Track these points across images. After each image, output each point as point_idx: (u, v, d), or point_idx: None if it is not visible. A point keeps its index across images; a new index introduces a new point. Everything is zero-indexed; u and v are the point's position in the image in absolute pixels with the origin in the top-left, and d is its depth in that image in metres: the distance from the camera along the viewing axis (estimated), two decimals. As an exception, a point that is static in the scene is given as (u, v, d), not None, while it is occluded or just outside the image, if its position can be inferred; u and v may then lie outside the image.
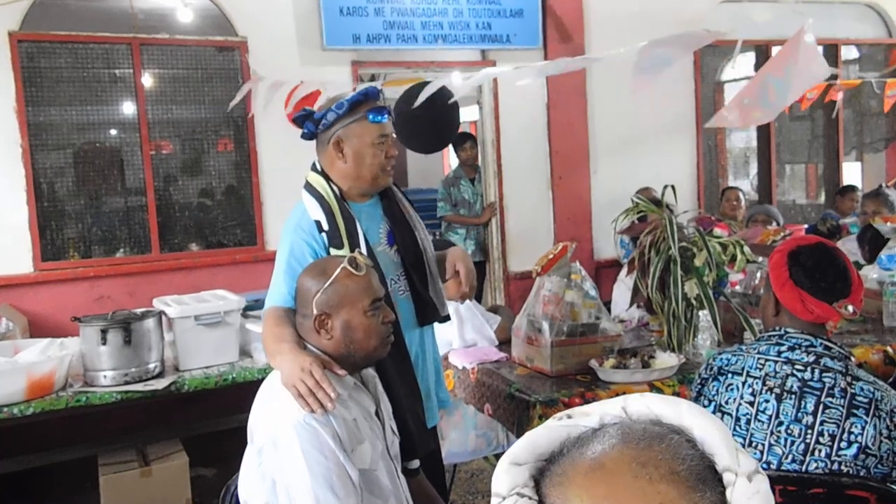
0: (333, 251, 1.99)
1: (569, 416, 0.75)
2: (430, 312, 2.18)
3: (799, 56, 2.22)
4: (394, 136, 2.14)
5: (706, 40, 2.54)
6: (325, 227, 2.03)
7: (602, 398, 2.10)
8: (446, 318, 2.28)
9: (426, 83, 3.42)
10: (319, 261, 1.86)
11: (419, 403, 2.13)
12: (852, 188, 5.97)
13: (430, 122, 4.02)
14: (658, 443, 0.69)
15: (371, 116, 2.05)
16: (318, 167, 2.13)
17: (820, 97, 5.57)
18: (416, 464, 2.02)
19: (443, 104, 3.96)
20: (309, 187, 2.10)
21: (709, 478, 0.68)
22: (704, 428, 0.71)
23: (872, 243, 3.81)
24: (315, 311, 1.71)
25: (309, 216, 2.06)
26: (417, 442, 2.02)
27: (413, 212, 2.22)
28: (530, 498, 0.70)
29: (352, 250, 1.96)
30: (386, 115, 2.08)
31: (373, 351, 1.75)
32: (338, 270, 1.71)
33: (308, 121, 2.09)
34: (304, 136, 2.13)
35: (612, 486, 0.66)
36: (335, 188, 2.08)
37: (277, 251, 2.08)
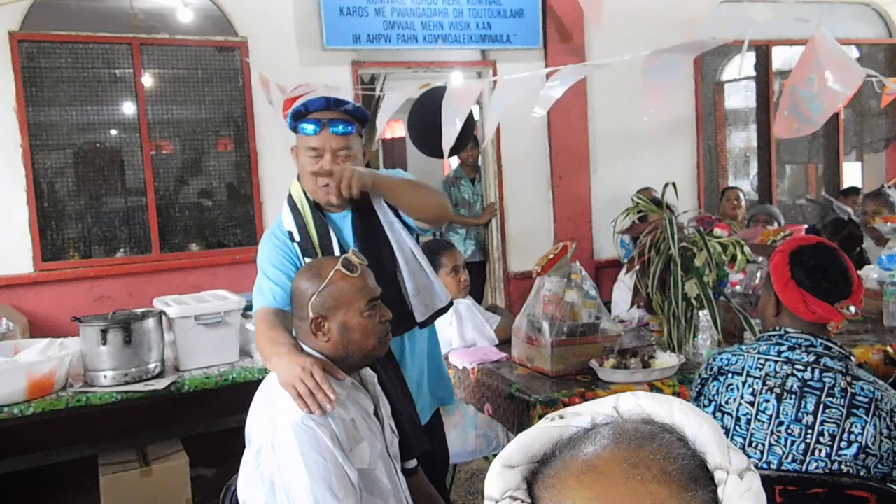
0: (307, 261, 1.99)
1: (561, 417, 0.74)
2: (400, 322, 2.10)
3: (824, 64, 2.19)
4: (347, 152, 2.04)
5: (711, 45, 2.52)
6: (297, 238, 2.06)
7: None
8: (424, 325, 2.22)
9: (440, 88, 3.42)
10: (314, 262, 1.85)
11: (412, 405, 2.12)
12: (855, 190, 5.96)
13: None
14: (649, 442, 0.69)
15: (301, 128, 2.05)
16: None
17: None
18: (413, 463, 2.02)
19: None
20: (289, 197, 2.14)
21: (700, 476, 0.68)
22: (695, 426, 0.71)
23: (846, 244, 3.81)
24: (311, 315, 1.70)
25: (283, 226, 2.10)
26: (413, 441, 2.01)
27: (393, 218, 2.14)
28: (523, 501, 0.70)
29: None
30: (316, 128, 2.02)
31: (371, 350, 1.75)
32: (331, 273, 1.71)
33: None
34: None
35: (604, 487, 0.66)
36: (310, 197, 2.10)
37: (258, 256, 2.10)
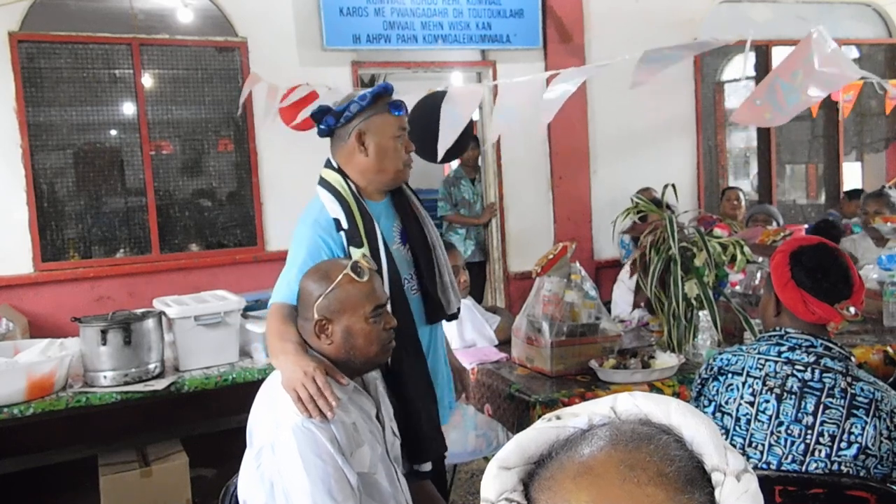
0: (352, 250, 1.95)
1: (557, 418, 0.74)
2: (437, 311, 2.16)
3: (813, 60, 2.21)
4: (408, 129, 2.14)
5: (712, 45, 2.54)
6: (345, 225, 1.98)
7: (602, 398, 2.09)
8: (454, 317, 2.26)
9: (440, 93, 3.43)
10: (322, 263, 1.83)
11: (433, 403, 2.09)
12: (859, 193, 5.92)
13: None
14: (646, 444, 0.68)
15: (393, 110, 2.04)
16: (335, 164, 2.08)
17: (824, 98, 5.54)
18: (427, 466, 2.00)
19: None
20: (325, 184, 2.05)
21: (697, 478, 0.68)
22: (693, 427, 0.71)
23: (823, 232, 3.84)
24: (316, 316, 1.70)
25: (327, 213, 2.01)
26: (430, 444, 1.99)
27: (422, 209, 2.21)
28: (519, 503, 0.70)
29: (371, 250, 1.94)
30: (404, 110, 2.08)
31: (373, 357, 1.74)
32: (340, 276, 1.70)
33: (328, 115, 2.03)
34: (321, 133, 2.08)
35: (600, 489, 0.66)
36: (353, 185, 2.04)
37: (292, 245, 2.02)
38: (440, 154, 3.23)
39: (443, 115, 3.18)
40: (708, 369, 1.92)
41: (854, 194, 5.90)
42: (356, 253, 1.93)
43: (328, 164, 2.09)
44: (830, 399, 1.71)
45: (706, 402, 1.88)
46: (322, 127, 2.06)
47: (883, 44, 6.88)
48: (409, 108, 3.54)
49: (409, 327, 1.94)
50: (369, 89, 2.05)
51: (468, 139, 4.18)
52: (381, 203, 2.12)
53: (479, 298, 5.46)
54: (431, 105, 3.42)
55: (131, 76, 4.59)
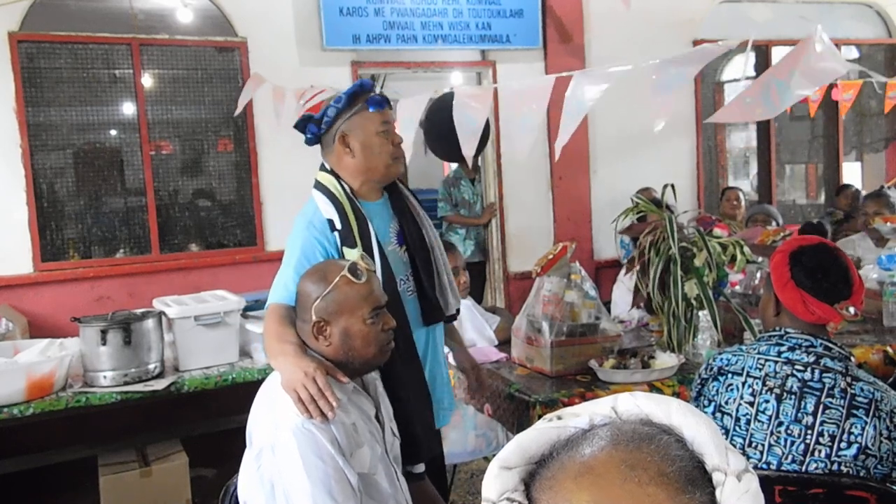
0: (346, 251, 1.95)
1: (559, 418, 0.74)
2: (434, 312, 2.15)
3: (807, 58, 2.22)
4: (395, 122, 2.12)
5: (717, 52, 2.54)
6: (338, 226, 1.99)
7: (602, 398, 2.09)
8: (452, 318, 2.26)
9: (450, 94, 3.43)
10: (320, 265, 1.83)
11: (428, 406, 2.09)
12: (847, 186, 6.06)
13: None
14: (647, 444, 0.68)
15: (371, 106, 2.03)
16: (328, 167, 2.08)
17: (824, 98, 5.55)
18: (420, 468, 2.00)
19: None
20: (320, 186, 2.06)
21: (698, 478, 0.68)
22: (693, 427, 0.71)
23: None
24: (314, 318, 1.69)
25: (321, 214, 2.01)
26: (423, 446, 1.99)
27: (420, 209, 2.20)
28: (520, 503, 0.70)
29: (364, 250, 1.94)
30: (385, 104, 2.06)
31: (372, 358, 1.74)
32: (337, 278, 1.69)
33: (310, 123, 2.04)
34: (308, 142, 2.09)
35: (601, 489, 0.66)
36: (346, 187, 2.04)
37: (287, 246, 2.03)
38: (469, 158, 3.25)
39: (457, 118, 3.20)
40: (708, 369, 1.92)
41: (842, 188, 6.01)
42: (351, 253, 1.92)
43: (322, 167, 2.10)
44: (830, 399, 1.71)
45: (706, 402, 1.89)
46: (308, 136, 2.07)
47: (883, 44, 6.88)
48: (423, 113, 3.54)
49: (403, 329, 1.94)
50: (345, 90, 2.04)
51: (486, 139, 4.19)
52: (377, 203, 2.12)
53: (479, 298, 5.46)
54: (447, 109, 3.41)
55: (131, 76, 4.60)
